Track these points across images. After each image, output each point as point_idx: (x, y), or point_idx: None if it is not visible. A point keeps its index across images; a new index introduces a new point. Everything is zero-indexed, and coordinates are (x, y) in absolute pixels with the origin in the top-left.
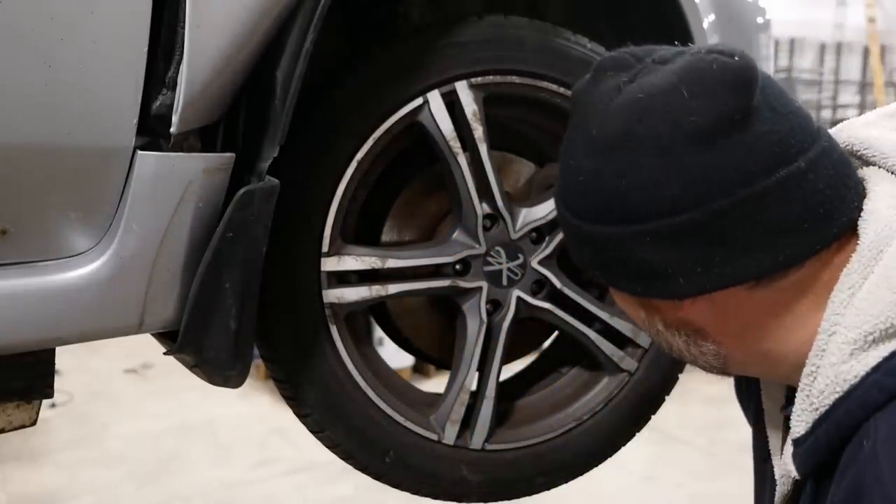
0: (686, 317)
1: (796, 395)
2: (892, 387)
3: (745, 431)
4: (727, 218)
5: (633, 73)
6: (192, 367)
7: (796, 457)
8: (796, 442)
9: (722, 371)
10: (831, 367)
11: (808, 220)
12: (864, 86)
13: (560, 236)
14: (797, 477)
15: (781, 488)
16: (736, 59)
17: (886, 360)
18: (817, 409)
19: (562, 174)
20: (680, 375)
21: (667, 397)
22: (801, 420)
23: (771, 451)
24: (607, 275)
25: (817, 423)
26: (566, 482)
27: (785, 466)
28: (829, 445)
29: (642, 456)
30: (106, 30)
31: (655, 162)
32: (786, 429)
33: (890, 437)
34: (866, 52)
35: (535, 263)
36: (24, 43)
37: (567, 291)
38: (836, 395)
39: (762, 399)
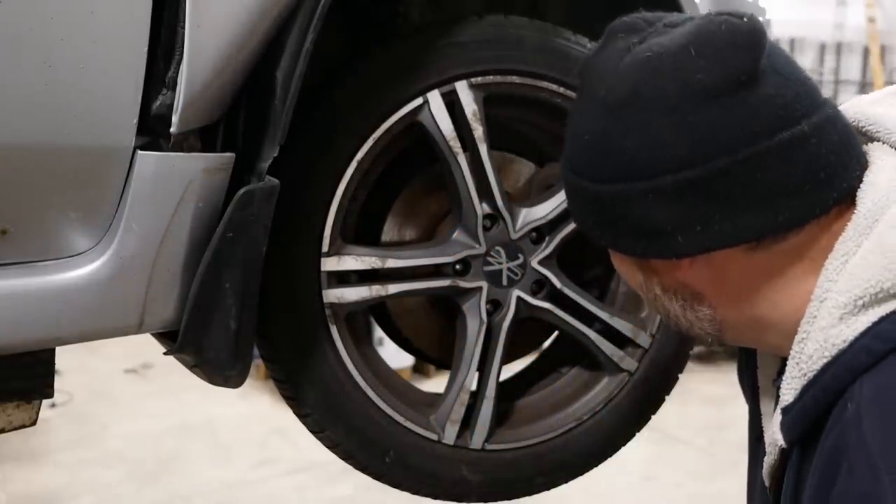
0: (684, 279)
1: (787, 363)
2: (879, 350)
3: (745, 431)
4: (730, 176)
5: (643, 36)
6: (192, 367)
7: (784, 425)
8: (784, 410)
9: (717, 338)
10: (821, 332)
11: (808, 183)
12: (864, 86)
13: (560, 236)
14: (784, 445)
15: (769, 458)
16: (745, 21)
17: (875, 324)
18: (805, 374)
19: (570, 139)
20: (680, 375)
21: (667, 397)
22: (790, 388)
23: (763, 427)
24: (610, 236)
25: (805, 389)
26: (566, 482)
27: (773, 435)
28: (817, 411)
29: (642, 456)
30: (106, 30)
31: (663, 121)
32: (777, 401)
33: (875, 399)
34: (866, 52)
35: (535, 263)
36: (24, 43)
37: (567, 291)
38: (825, 360)
39: (757, 374)
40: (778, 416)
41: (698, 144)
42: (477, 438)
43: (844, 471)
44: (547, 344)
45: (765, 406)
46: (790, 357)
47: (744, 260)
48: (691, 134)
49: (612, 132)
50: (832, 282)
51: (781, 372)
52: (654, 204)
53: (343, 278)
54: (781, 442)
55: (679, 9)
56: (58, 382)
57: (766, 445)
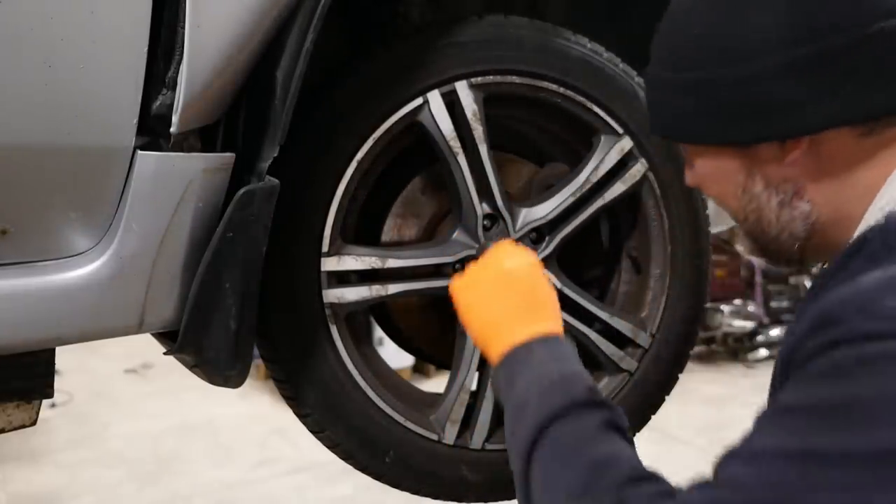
0: (789, 171)
1: None
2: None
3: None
4: (858, 50)
5: None
6: (192, 367)
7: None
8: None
9: (800, 250)
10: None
11: None
12: None
13: (560, 236)
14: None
15: (774, 370)
16: None
17: None
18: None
19: (667, 35)
20: (680, 375)
21: (667, 397)
22: None
23: None
24: (718, 128)
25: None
26: None
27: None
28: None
29: (642, 456)
30: (106, 30)
31: None
32: None
33: (881, 279)
34: None
35: None
36: (24, 43)
37: (567, 291)
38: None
39: None
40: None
41: (832, 15)
42: (477, 438)
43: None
44: None
45: None
46: None
47: (853, 146)
48: (824, 4)
49: (725, 14)
50: None
51: None
52: (785, 78)
53: (343, 278)
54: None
55: None
56: (58, 382)
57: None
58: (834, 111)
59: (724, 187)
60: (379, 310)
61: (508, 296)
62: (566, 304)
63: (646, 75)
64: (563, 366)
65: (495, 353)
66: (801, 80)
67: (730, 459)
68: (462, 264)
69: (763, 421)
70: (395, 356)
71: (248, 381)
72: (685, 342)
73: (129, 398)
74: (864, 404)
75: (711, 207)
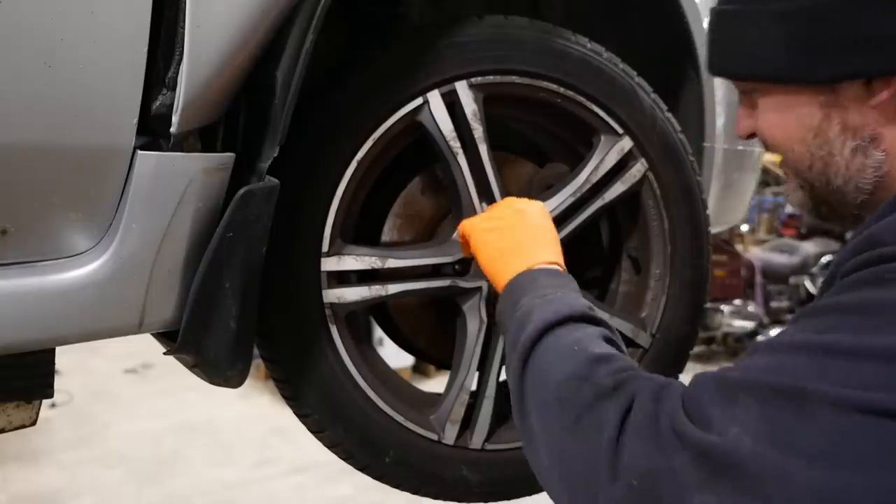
0: (870, 115)
1: None
2: None
3: None
4: None
5: None
6: (192, 367)
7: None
8: None
9: (864, 204)
10: None
11: None
12: None
13: (560, 236)
14: None
15: (819, 291)
16: None
17: None
18: None
19: None
20: (680, 375)
21: None
22: None
23: None
24: (803, 63)
25: None
26: None
27: None
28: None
29: None
30: (106, 30)
31: None
32: None
33: None
34: None
35: None
36: (24, 43)
37: None
38: None
39: None
40: None
41: None
42: (477, 438)
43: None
44: None
45: None
46: None
47: None
48: None
49: None
50: None
51: None
52: (892, 10)
53: (343, 278)
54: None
55: (680, 10)
56: (58, 382)
57: None
58: None
59: (792, 132)
60: (379, 310)
61: (519, 231)
62: None
63: (716, 9)
64: (564, 289)
65: (503, 280)
66: None
67: (754, 351)
68: (462, 264)
69: (793, 321)
70: (395, 356)
71: (248, 381)
72: (685, 342)
73: (129, 398)
74: (891, 308)
75: (711, 207)
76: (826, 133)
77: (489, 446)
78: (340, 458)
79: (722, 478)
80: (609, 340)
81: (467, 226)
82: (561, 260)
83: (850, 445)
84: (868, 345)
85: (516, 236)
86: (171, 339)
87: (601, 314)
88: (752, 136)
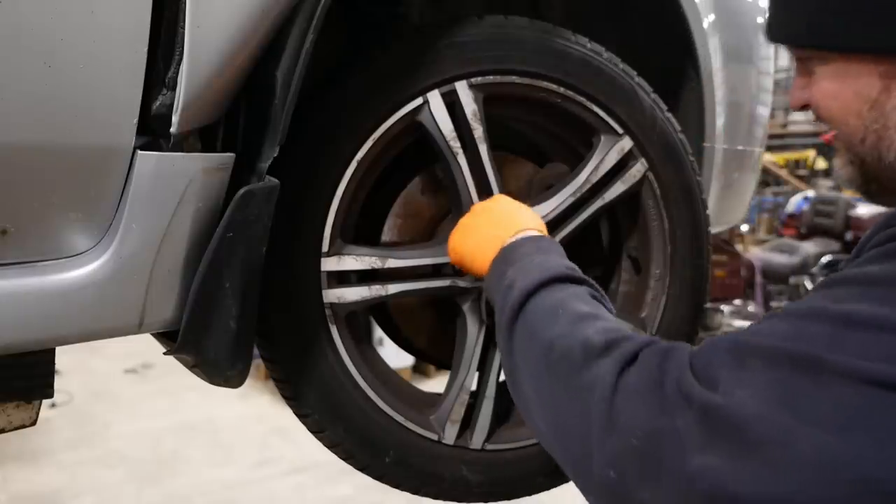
0: None
1: None
2: None
3: None
4: None
5: None
6: (192, 367)
7: None
8: None
9: None
10: None
11: None
12: None
13: (560, 236)
14: None
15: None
16: None
17: None
18: None
19: None
20: None
21: None
22: None
23: None
24: (866, 29)
25: None
26: (566, 482)
27: None
28: None
29: None
30: (106, 30)
31: None
32: None
33: None
34: None
35: None
36: (24, 43)
37: None
38: None
39: None
40: None
41: None
42: (477, 438)
43: None
44: None
45: None
46: None
47: None
48: None
49: None
50: None
51: None
52: None
53: (343, 278)
54: None
55: (680, 10)
56: (58, 382)
57: None
58: None
59: (849, 103)
60: (379, 310)
61: (492, 219)
62: None
63: None
64: (547, 252)
65: (486, 262)
66: None
67: (770, 316)
68: None
69: (815, 289)
70: (395, 356)
71: (248, 381)
72: (685, 343)
73: (129, 398)
74: None
75: (711, 207)
76: (883, 105)
77: (489, 446)
78: (340, 458)
79: (723, 439)
80: (594, 297)
81: (449, 243)
82: (542, 226)
83: (864, 417)
84: (890, 317)
85: (491, 222)
86: (171, 339)
87: None
88: (804, 107)
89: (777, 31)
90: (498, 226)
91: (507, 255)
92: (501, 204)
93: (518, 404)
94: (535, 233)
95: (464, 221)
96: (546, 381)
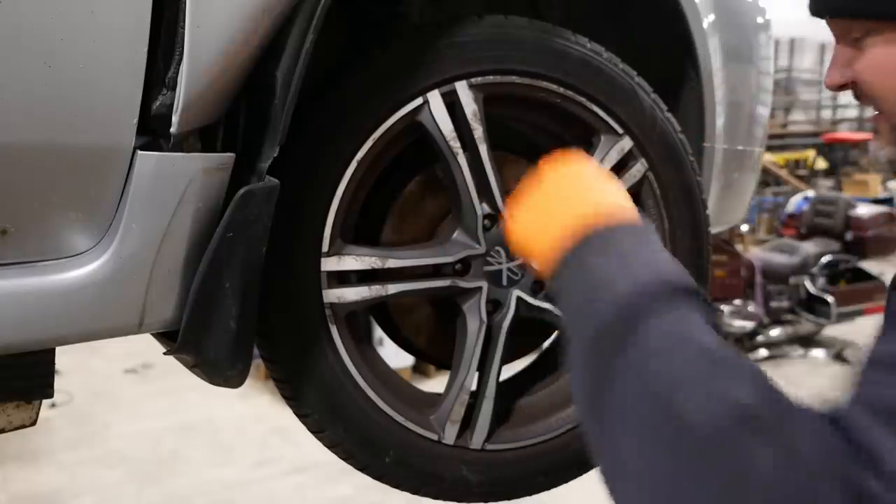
0: None
1: None
2: None
3: None
4: None
5: None
6: (192, 367)
7: None
8: None
9: None
10: None
11: None
12: None
13: None
14: None
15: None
16: None
17: None
18: None
19: None
20: None
21: None
22: None
23: None
24: None
25: None
26: (566, 482)
27: None
28: None
29: None
30: (106, 30)
31: None
32: None
33: None
34: None
35: None
36: (24, 43)
37: None
38: None
39: None
40: None
41: None
42: (477, 438)
43: None
44: (547, 344)
45: None
46: None
47: None
48: None
49: None
50: None
51: None
52: None
53: (343, 278)
54: None
55: (680, 10)
56: (58, 382)
57: None
58: None
59: (891, 79)
60: (379, 310)
61: (572, 190)
62: None
63: None
64: (655, 250)
65: (563, 247)
66: None
67: (891, 367)
68: (462, 264)
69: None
70: (395, 356)
71: (248, 381)
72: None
73: (129, 398)
74: None
75: (711, 207)
76: None
77: (489, 446)
78: (340, 458)
79: None
80: (709, 314)
81: (507, 221)
82: (630, 202)
83: None
84: None
85: (572, 193)
86: (171, 339)
87: None
88: (842, 87)
89: (826, 2)
90: (581, 199)
91: (602, 245)
92: (582, 169)
93: (601, 458)
94: (632, 215)
95: (529, 190)
96: (666, 448)
